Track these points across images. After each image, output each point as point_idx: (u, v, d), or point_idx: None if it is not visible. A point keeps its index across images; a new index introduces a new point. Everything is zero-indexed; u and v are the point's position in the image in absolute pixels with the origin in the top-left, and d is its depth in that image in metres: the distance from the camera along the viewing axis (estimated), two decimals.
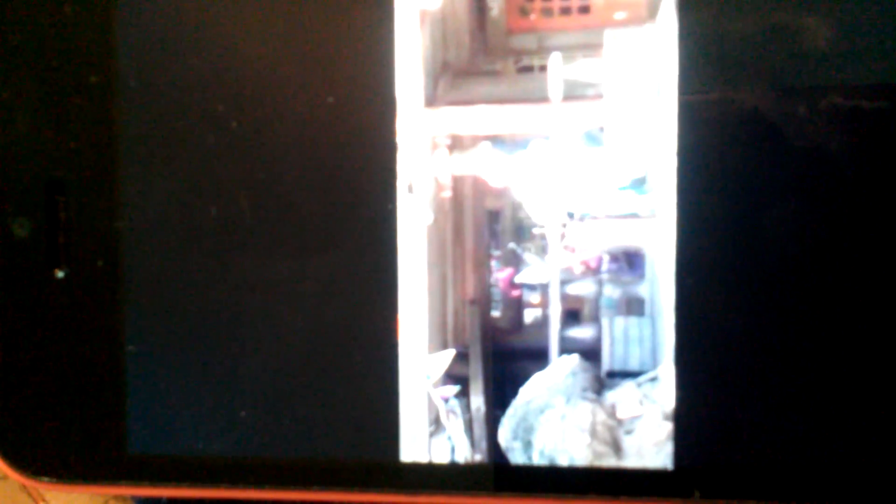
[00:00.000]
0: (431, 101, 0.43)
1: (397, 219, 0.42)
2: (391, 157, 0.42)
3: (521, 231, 0.43)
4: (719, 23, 0.40)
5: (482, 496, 0.43)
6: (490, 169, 0.43)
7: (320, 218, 0.43)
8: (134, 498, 0.50)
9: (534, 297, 0.44)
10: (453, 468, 0.44)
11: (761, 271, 0.40)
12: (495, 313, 0.44)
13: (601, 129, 0.42)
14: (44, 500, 0.51)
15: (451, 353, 0.44)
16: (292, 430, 0.44)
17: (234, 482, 0.44)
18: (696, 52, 0.40)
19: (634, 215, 0.42)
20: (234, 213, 0.43)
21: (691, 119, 0.40)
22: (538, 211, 0.43)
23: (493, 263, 0.44)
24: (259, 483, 0.44)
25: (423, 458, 0.43)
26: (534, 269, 0.43)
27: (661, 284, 0.42)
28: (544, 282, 0.43)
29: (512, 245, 0.44)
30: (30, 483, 0.45)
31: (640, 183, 0.42)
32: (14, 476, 0.45)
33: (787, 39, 0.39)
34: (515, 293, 0.44)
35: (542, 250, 0.43)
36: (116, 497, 0.51)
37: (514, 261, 0.44)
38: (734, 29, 0.39)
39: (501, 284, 0.44)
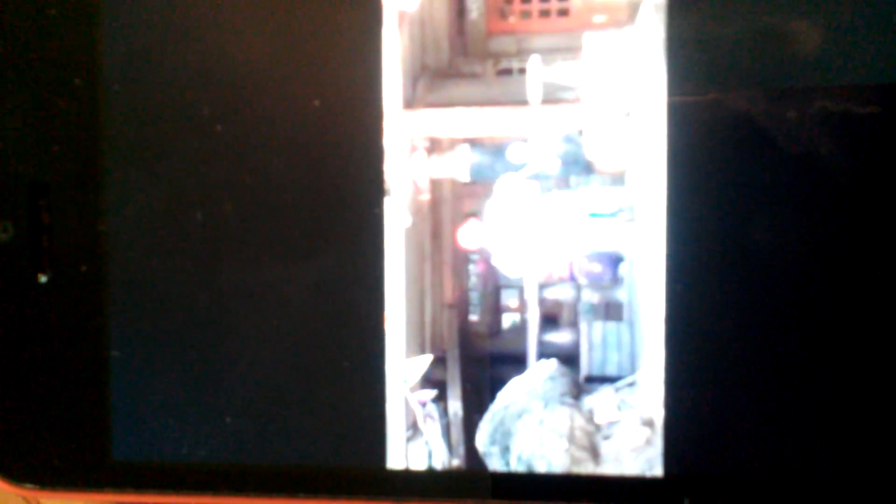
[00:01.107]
0: (410, 103, 0.43)
1: (384, 223, 0.42)
2: (378, 161, 0.42)
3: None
4: (708, 25, 0.39)
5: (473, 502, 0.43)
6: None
7: (306, 222, 0.42)
8: None
9: (512, 300, 0.44)
10: (444, 475, 0.43)
11: (752, 277, 0.40)
12: (473, 317, 0.44)
13: (580, 133, 0.42)
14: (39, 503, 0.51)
15: (428, 357, 0.44)
16: (278, 436, 0.43)
17: (219, 489, 0.44)
18: (685, 55, 0.40)
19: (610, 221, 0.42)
20: (220, 218, 0.43)
21: (680, 122, 0.40)
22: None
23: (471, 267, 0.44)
24: (244, 490, 0.44)
25: (410, 466, 0.43)
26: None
27: (639, 289, 0.42)
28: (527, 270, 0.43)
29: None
30: (13, 490, 0.45)
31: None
32: None
33: (777, 42, 0.39)
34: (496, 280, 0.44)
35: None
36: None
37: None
38: (723, 31, 0.39)
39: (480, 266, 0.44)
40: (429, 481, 0.43)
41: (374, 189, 0.42)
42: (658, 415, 0.41)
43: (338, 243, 0.42)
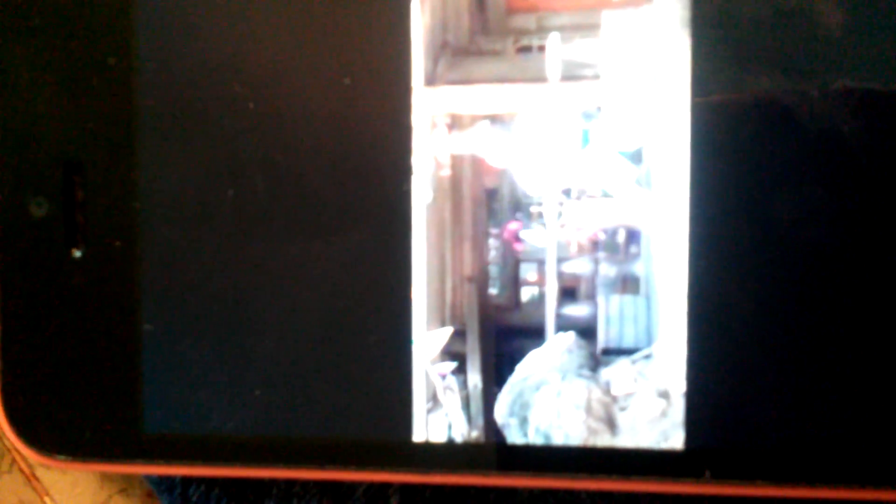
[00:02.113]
0: (431, 80, 0.43)
1: (412, 200, 0.42)
2: (407, 137, 0.42)
3: (519, 209, 0.43)
4: (733, 5, 0.40)
5: (498, 476, 0.43)
6: (488, 146, 0.43)
7: (336, 199, 0.43)
8: (147, 477, 0.51)
9: (531, 274, 0.44)
10: (467, 448, 0.44)
11: (775, 250, 0.40)
12: (493, 291, 0.44)
13: (598, 110, 0.42)
14: (48, 493, 0.52)
15: (448, 330, 0.44)
16: (307, 409, 0.44)
17: (247, 461, 0.44)
18: (709, 35, 0.40)
19: (630, 188, 0.42)
20: (251, 194, 0.43)
21: (706, 102, 0.40)
22: (534, 184, 0.43)
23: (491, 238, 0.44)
24: (273, 462, 0.44)
25: (435, 438, 0.44)
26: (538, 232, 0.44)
27: (656, 262, 0.42)
28: (547, 244, 0.43)
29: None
30: (45, 461, 0.45)
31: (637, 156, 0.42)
32: (28, 454, 0.45)
33: (802, 22, 0.39)
34: (518, 247, 0.44)
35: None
36: (121, 491, 0.52)
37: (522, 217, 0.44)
38: (748, 12, 0.40)
39: (507, 235, 0.44)
40: (455, 453, 0.44)
41: (402, 165, 0.42)
42: (674, 386, 0.41)
43: (366, 219, 0.43)
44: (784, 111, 0.39)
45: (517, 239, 0.44)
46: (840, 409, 0.40)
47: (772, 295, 0.40)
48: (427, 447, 0.44)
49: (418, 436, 0.43)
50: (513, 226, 0.44)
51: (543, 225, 0.43)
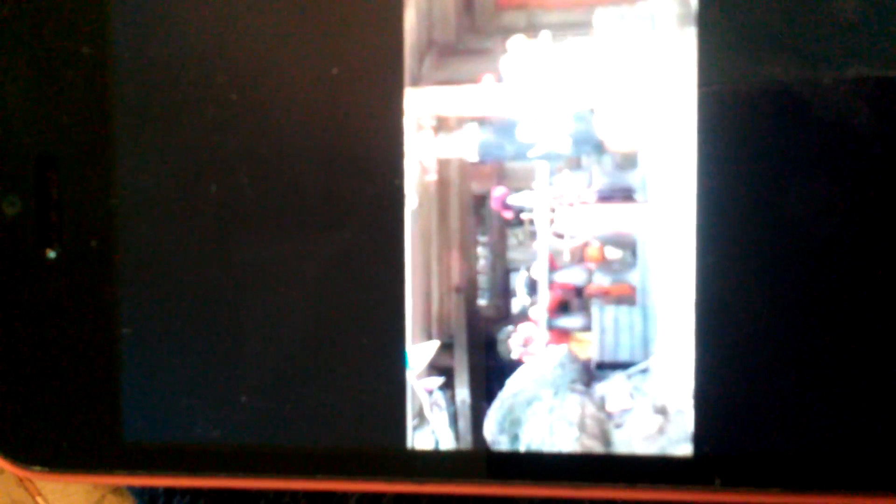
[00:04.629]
0: (416, 80, 0.42)
1: (405, 195, 0.41)
2: (398, 130, 0.41)
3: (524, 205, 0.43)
4: None
5: (495, 485, 0.42)
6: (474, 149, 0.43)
7: (325, 194, 0.42)
8: (130, 488, 0.50)
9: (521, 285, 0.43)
10: (461, 455, 0.43)
11: (786, 252, 0.39)
12: (482, 302, 0.44)
13: (591, 111, 0.41)
14: (41, 494, 0.51)
15: (435, 343, 0.43)
16: (295, 416, 0.43)
17: (233, 471, 0.44)
18: (716, 28, 0.39)
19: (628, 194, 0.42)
20: (235, 190, 0.42)
21: (712, 98, 0.39)
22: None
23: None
24: (259, 471, 0.43)
25: (431, 446, 0.43)
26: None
27: (653, 271, 0.42)
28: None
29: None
30: (20, 473, 0.45)
31: None
32: (4, 465, 0.45)
33: (812, 10, 0.38)
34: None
35: (531, 236, 0.43)
36: (114, 490, 0.51)
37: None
38: (755, 2, 0.39)
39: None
40: (451, 461, 0.43)
41: (394, 159, 0.41)
42: (672, 402, 0.41)
43: (357, 215, 0.42)
44: (796, 101, 0.39)
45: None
46: (853, 415, 0.39)
47: (784, 297, 0.39)
48: (421, 455, 0.43)
49: (412, 443, 0.43)
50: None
51: (534, 233, 0.43)
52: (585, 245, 0.42)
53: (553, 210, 0.42)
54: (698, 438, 0.40)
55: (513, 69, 0.42)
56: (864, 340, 0.39)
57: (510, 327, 0.43)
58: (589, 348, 0.42)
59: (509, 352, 0.42)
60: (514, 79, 0.42)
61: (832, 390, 0.39)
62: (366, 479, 0.43)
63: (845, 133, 0.38)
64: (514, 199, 0.43)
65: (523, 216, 0.43)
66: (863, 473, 0.39)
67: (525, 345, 0.42)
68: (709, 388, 0.40)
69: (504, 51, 0.42)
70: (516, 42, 0.42)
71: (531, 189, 0.42)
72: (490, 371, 0.43)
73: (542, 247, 0.43)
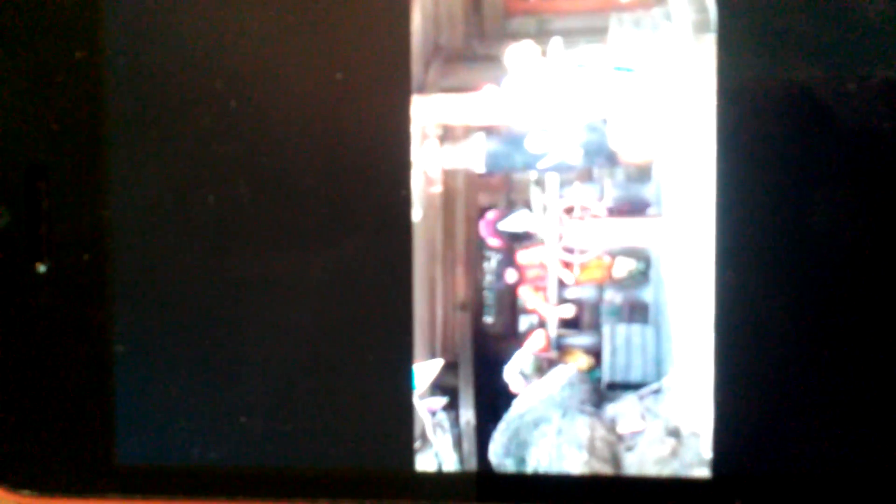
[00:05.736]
0: (421, 87, 0.41)
1: (411, 207, 0.40)
2: (405, 138, 0.40)
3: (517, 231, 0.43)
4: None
5: None
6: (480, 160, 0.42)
7: (327, 206, 0.41)
8: None
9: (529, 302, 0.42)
10: (466, 478, 0.42)
11: (810, 267, 0.38)
12: (488, 319, 0.43)
13: (604, 121, 0.41)
14: None
15: (439, 362, 0.43)
16: (296, 437, 0.42)
17: (232, 494, 0.43)
18: (736, 34, 0.38)
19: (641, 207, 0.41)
20: (233, 201, 0.41)
21: (732, 106, 0.38)
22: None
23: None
24: (259, 495, 0.42)
25: (440, 468, 0.42)
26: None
27: (667, 288, 0.41)
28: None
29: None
30: (9, 497, 0.44)
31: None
32: None
33: (834, 15, 0.38)
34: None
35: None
36: None
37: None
38: (777, 5, 0.38)
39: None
40: (456, 485, 0.42)
41: (400, 168, 0.40)
42: (685, 424, 0.40)
43: (361, 227, 0.41)
44: (820, 108, 0.38)
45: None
46: (876, 437, 0.39)
47: (807, 315, 0.39)
48: (427, 478, 0.42)
49: (419, 465, 0.42)
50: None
51: (544, 243, 0.42)
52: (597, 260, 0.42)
53: (562, 222, 0.42)
54: (717, 460, 0.40)
55: (523, 77, 0.41)
56: (890, 361, 0.38)
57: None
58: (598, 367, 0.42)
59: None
60: (524, 87, 0.41)
61: (855, 411, 0.39)
62: (370, 501, 0.42)
63: (871, 141, 0.38)
64: (508, 224, 0.43)
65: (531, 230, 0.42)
66: (886, 496, 0.39)
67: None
68: (729, 408, 0.39)
69: (513, 57, 0.41)
70: (526, 48, 0.41)
71: (529, 209, 0.42)
72: (496, 391, 0.42)
73: (551, 262, 0.42)
